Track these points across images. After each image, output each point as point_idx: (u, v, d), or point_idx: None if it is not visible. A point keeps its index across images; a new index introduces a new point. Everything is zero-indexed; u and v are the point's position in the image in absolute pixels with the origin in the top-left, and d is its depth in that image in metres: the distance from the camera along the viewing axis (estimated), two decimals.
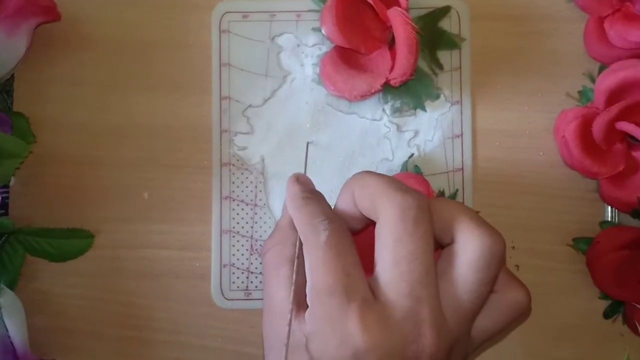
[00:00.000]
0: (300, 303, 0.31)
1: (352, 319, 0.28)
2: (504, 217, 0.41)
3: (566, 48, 0.42)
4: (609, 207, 0.41)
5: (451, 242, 0.30)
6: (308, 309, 0.30)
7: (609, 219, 0.41)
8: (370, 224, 0.32)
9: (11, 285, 0.40)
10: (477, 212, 0.31)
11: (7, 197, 0.41)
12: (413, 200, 0.29)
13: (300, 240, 0.32)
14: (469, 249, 0.29)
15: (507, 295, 0.31)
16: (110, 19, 0.42)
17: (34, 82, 0.42)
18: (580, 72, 0.42)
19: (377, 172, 0.41)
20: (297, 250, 0.32)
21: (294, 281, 0.31)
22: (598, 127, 0.38)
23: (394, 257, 0.29)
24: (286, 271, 0.32)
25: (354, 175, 0.32)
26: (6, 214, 0.41)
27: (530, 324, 0.41)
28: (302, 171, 0.38)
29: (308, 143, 0.41)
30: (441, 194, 0.41)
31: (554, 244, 0.41)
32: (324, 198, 0.34)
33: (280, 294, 0.32)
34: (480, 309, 0.30)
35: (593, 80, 0.41)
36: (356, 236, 0.32)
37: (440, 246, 0.31)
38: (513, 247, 0.41)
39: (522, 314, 0.32)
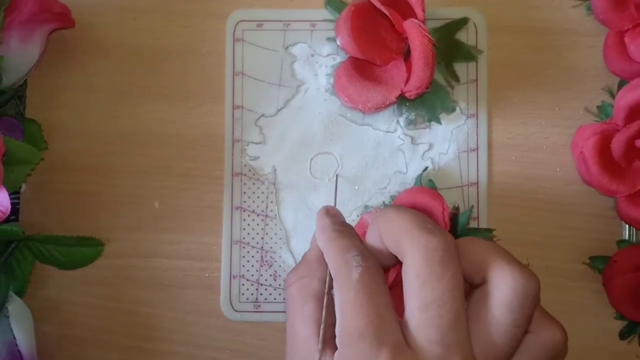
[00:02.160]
0: (327, 342, 0.30)
1: None
2: (519, 233, 0.40)
3: (585, 62, 0.41)
4: (627, 226, 0.40)
5: (482, 283, 0.29)
6: (337, 352, 0.29)
7: (627, 238, 0.40)
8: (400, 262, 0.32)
9: (20, 293, 0.39)
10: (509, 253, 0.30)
11: (18, 204, 0.41)
12: (438, 241, 0.28)
13: (330, 275, 0.31)
14: (502, 289, 0.28)
15: (542, 335, 0.30)
16: (124, 26, 0.42)
17: (46, 88, 0.42)
18: (600, 87, 0.41)
19: (390, 184, 0.41)
20: (327, 286, 0.31)
21: (323, 319, 0.30)
22: (617, 144, 0.38)
23: (421, 302, 0.28)
24: (311, 308, 0.31)
25: (378, 210, 0.31)
26: (16, 220, 0.41)
27: None
28: (332, 203, 0.37)
29: (337, 176, 0.41)
30: (456, 209, 0.40)
31: (570, 262, 0.40)
32: (356, 232, 0.32)
33: (304, 332, 0.30)
34: (514, 351, 0.29)
35: (612, 96, 0.40)
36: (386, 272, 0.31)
37: (471, 287, 0.30)
38: (527, 264, 0.40)
39: (558, 354, 0.30)
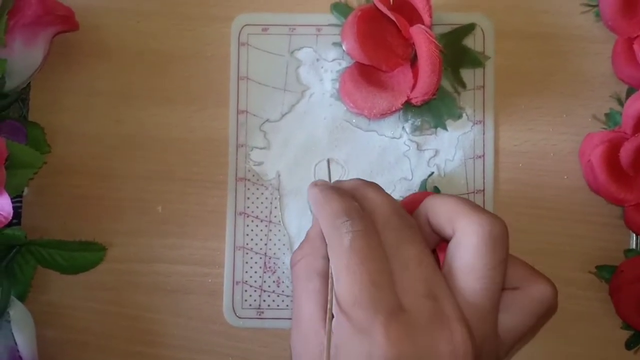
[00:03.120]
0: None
1: (378, 333, 0.27)
2: (525, 241, 0.40)
3: (593, 69, 0.41)
4: (634, 235, 0.40)
5: (453, 235, 0.30)
6: (334, 319, 0.29)
7: (634, 247, 0.40)
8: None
9: (21, 297, 0.39)
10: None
11: (20, 207, 0.41)
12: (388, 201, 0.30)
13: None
14: (469, 235, 0.29)
15: (531, 290, 0.30)
16: (127, 29, 0.42)
17: (50, 91, 0.42)
18: (608, 94, 0.41)
19: (395, 191, 0.40)
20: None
21: (330, 289, 0.30)
22: (626, 153, 0.37)
23: (403, 262, 0.29)
24: (316, 285, 0.31)
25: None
26: (19, 224, 0.41)
27: (549, 352, 0.40)
28: None
29: (329, 160, 0.40)
30: None
31: (576, 271, 0.40)
32: (348, 194, 0.32)
33: (309, 309, 0.31)
34: (496, 299, 0.29)
35: (621, 103, 0.40)
36: None
37: (445, 241, 0.31)
38: None
39: (549, 308, 0.31)
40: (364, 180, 0.34)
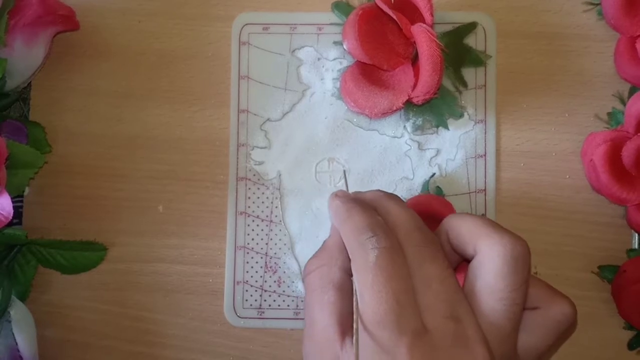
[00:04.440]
0: (346, 329, 0.30)
1: (402, 354, 0.27)
2: (527, 241, 0.39)
3: (596, 68, 0.41)
4: (637, 235, 0.40)
5: (474, 255, 0.30)
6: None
7: (637, 247, 0.39)
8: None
9: (22, 297, 0.39)
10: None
11: (21, 207, 0.41)
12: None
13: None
14: (491, 257, 0.28)
15: (551, 309, 0.30)
16: (128, 28, 0.42)
17: (51, 91, 0.42)
18: (610, 93, 0.40)
19: (397, 190, 0.40)
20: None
21: (355, 308, 0.29)
22: (628, 153, 0.37)
23: (425, 280, 0.28)
24: (331, 297, 0.30)
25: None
26: (20, 224, 0.41)
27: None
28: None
29: (345, 171, 0.40)
30: None
31: (579, 271, 0.40)
32: (370, 207, 0.32)
33: (323, 320, 0.30)
34: (517, 320, 0.29)
35: (623, 102, 0.40)
36: None
37: (466, 260, 0.31)
38: (536, 273, 0.40)
39: (568, 327, 0.30)
40: (385, 192, 0.33)
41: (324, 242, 0.33)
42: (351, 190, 0.34)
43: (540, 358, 0.31)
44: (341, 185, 0.40)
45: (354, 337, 0.28)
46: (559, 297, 0.31)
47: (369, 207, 0.31)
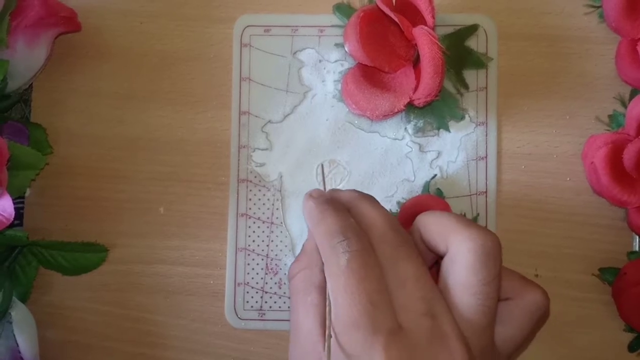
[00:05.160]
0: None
1: (378, 354, 0.27)
2: (527, 243, 0.40)
3: (597, 70, 0.41)
4: (638, 237, 0.40)
5: (446, 251, 0.30)
6: (333, 339, 0.29)
7: (637, 250, 0.40)
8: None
9: (23, 298, 0.39)
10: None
11: (22, 208, 0.41)
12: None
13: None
14: (462, 252, 0.29)
15: (524, 300, 0.31)
16: (130, 30, 0.42)
17: (52, 92, 0.42)
18: (611, 95, 0.40)
19: (398, 192, 0.40)
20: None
21: (328, 311, 0.30)
22: (629, 155, 0.37)
23: (399, 279, 0.29)
24: (314, 299, 0.31)
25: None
26: (21, 225, 0.41)
27: (552, 354, 0.40)
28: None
29: (322, 165, 0.40)
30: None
31: (579, 273, 0.40)
32: (343, 209, 0.32)
33: (307, 323, 0.30)
34: (493, 313, 0.29)
35: (624, 105, 0.40)
36: None
37: (440, 258, 0.31)
38: (536, 275, 0.40)
39: (542, 316, 0.31)
40: (360, 192, 0.33)
41: (303, 244, 0.33)
42: (335, 181, 0.35)
43: (517, 348, 0.31)
44: (338, 184, 0.40)
45: (326, 344, 0.28)
46: (531, 286, 0.31)
47: (342, 209, 0.32)
